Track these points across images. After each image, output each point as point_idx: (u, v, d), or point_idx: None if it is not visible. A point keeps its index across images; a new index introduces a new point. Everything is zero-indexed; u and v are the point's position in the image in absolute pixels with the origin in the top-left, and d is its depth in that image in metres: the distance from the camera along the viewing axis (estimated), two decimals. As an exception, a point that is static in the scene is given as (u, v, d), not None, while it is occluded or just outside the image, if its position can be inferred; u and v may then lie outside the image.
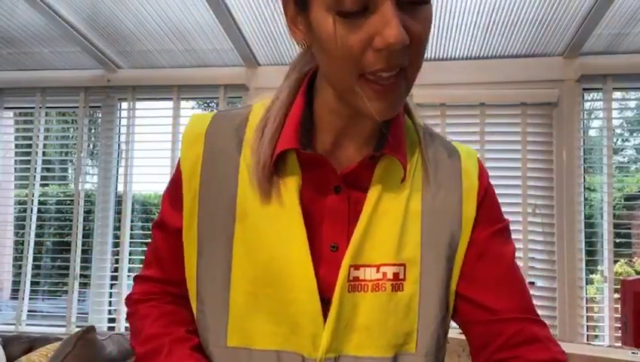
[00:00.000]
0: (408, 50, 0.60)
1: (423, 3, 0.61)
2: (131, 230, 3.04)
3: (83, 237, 3.06)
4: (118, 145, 3.12)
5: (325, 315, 0.67)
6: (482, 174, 0.78)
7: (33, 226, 3.10)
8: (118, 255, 3.01)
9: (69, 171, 3.48)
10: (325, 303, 0.67)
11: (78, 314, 3.01)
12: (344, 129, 0.72)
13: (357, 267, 0.68)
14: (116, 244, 3.04)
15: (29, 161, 3.14)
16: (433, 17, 2.66)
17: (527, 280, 2.63)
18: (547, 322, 2.79)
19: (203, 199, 0.73)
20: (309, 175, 0.71)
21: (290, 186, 0.70)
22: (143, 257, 3.26)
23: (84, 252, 3.07)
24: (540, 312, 2.71)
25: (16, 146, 3.28)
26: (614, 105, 2.74)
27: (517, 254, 2.69)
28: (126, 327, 2.94)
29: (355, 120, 0.71)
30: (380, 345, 0.68)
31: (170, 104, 3.04)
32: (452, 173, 0.75)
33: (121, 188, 3.08)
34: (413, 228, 0.71)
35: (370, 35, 0.58)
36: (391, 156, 0.71)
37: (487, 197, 0.77)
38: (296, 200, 0.69)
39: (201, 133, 0.75)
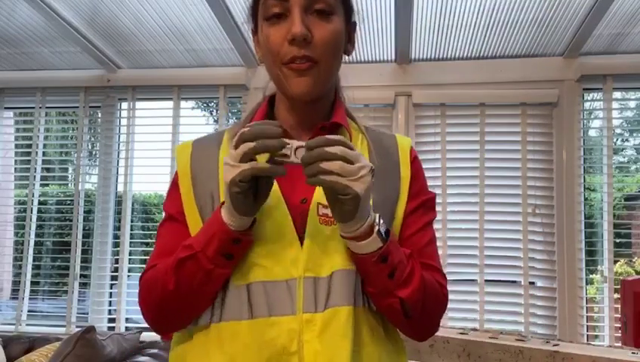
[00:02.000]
0: (315, 46, 0.84)
1: (327, 14, 0.86)
2: (131, 230, 3.03)
3: (83, 237, 3.07)
4: (118, 145, 3.12)
5: (302, 242, 0.84)
6: (412, 150, 0.99)
7: (33, 226, 3.10)
8: (118, 255, 3.01)
9: (69, 171, 3.48)
10: (301, 235, 0.84)
11: (78, 314, 3.01)
12: (297, 123, 0.93)
13: (325, 206, 0.84)
14: (116, 244, 3.04)
15: (29, 161, 3.14)
16: (433, 17, 2.61)
17: (528, 280, 2.64)
18: (547, 322, 2.78)
19: (196, 184, 0.91)
20: None
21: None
22: (143, 257, 3.27)
23: (84, 252, 3.07)
24: (539, 312, 2.70)
25: (16, 146, 3.28)
26: (614, 105, 2.74)
27: (517, 254, 2.68)
28: (126, 327, 2.94)
29: (303, 111, 0.92)
30: (347, 261, 0.84)
31: (170, 104, 3.03)
32: (390, 147, 0.97)
33: (121, 188, 3.08)
34: None
35: (286, 32, 0.84)
36: (341, 130, 0.92)
37: (415, 162, 0.98)
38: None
39: (189, 143, 0.97)
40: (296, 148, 0.76)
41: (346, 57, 0.94)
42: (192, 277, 0.82)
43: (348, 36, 0.93)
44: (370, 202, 0.81)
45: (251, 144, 0.75)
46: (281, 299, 0.82)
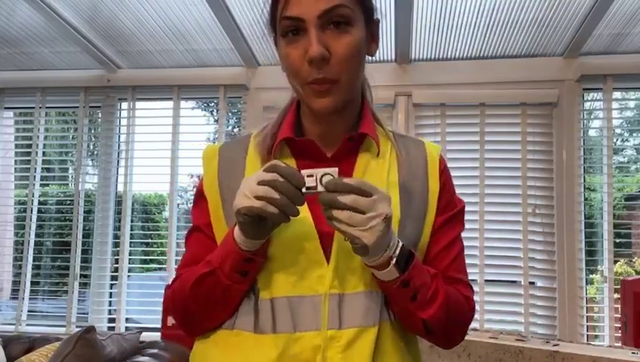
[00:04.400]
0: (335, 64, 0.84)
1: (345, 24, 0.85)
2: (131, 230, 3.03)
3: (83, 237, 3.06)
4: (118, 145, 3.12)
5: (328, 259, 0.84)
6: (442, 159, 0.98)
7: (33, 226, 3.10)
8: (118, 255, 3.01)
9: (69, 171, 3.48)
10: (327, 252, 0.84)
11: (78, 314, 3.01)
12: (324, 133, 0.93)
13: None
14: (116, 244, 3.04)
15: (29, 161, 3.14)
16: (433, 17, 2.61)
17: (528, 280, 2.64)
18: (547, 322, 2.77)
19: (224, 198, 0.92)
20: (304, 161, 0.91)
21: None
22: (143, 257, 3.27)
23: (84, 252, 3.07)
24: (539, 312, 2.70)
25: (16, 146, 3.28)
26: (614, 105, 2.74)
27: (517, 254, 2.68)
28: (126, 327, 2.94)
29: (329, 122, 0.92)
30: (371, 282, 0.85)
31: (170, 104, 3.03)
32: (418, 156, 0.96)
33: (121, 188, 3.08)
34: (393, 194, 0.88)
35: (303, 51, 0.84)
36: (368, 139, 0.92)
37: (445, 172, 0.97)
38: None
39: (215, 150, 0.98)
40: (322, 177, 0.76)
41: None
42: (211, 292, 0.85)
43: (371, 36, 0.93)
44: (394, 226, 0.81)
45: (272, 191, 0.75)
46: (306, 314, 0.83)
